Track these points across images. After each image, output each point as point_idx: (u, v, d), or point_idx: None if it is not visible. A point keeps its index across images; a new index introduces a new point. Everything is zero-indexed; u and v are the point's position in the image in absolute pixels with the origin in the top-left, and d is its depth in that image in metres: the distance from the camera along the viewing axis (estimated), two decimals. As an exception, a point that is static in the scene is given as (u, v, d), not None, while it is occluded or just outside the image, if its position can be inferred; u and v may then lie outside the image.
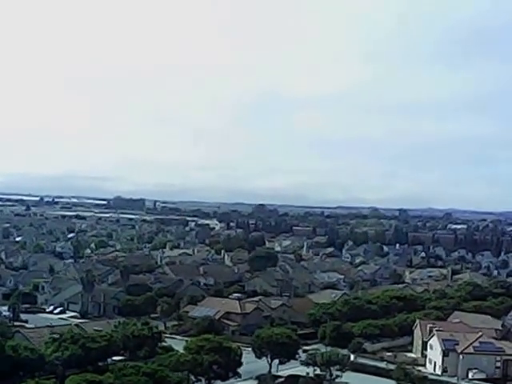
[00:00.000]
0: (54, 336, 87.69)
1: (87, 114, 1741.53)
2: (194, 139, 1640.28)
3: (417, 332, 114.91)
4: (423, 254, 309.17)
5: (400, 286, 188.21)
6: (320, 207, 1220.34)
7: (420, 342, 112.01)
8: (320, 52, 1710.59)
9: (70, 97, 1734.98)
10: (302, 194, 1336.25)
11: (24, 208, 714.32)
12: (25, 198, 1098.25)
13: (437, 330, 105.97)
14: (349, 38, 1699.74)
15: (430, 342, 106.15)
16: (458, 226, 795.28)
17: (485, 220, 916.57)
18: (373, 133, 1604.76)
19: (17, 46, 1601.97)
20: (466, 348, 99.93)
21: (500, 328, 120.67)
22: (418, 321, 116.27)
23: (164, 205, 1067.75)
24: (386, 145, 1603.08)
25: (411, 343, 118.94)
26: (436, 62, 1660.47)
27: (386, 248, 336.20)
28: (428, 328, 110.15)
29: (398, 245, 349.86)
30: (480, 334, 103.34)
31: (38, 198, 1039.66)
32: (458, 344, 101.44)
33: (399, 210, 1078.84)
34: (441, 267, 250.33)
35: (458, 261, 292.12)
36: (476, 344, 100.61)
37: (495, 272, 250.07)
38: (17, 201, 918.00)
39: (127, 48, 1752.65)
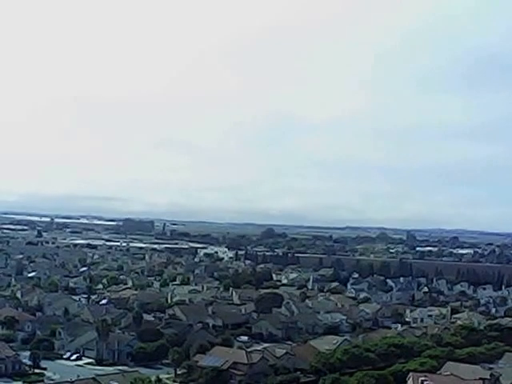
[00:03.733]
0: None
1: (99, 137, 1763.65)
2: (205, 161, 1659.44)
3: (410, 383, 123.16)
4: (426, 289, 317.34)
5: (400, 328, 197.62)
6: (329, 227, 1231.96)
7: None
8: (329, 78, 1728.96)
9: (82, 120, 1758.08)
10: (311, 215, 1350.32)
11: (35, 234, 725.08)
12: (35, 218, 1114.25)
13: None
14: (357, 64, 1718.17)
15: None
16: (465, 251, 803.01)
17: (492, 244, 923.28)
18: (382, 155, 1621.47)
19: (32, 73, 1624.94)
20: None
21: (488, 378, 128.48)
22: (410, 374, 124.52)
23: (174, 227, 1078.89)
24: (396, 167, 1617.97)
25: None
26: (445, 87, 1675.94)
27: (390, 282, 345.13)
28: (420, 381, 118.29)
29: (402, 278, 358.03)
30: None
31: (48, 219, 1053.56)
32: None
33: (407, 232, 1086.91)
34: (441, 305, 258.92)
35: (459, 296, 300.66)
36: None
37: (493, 310, 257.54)
38: (27, 224, 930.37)
39: (139, 73, 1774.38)
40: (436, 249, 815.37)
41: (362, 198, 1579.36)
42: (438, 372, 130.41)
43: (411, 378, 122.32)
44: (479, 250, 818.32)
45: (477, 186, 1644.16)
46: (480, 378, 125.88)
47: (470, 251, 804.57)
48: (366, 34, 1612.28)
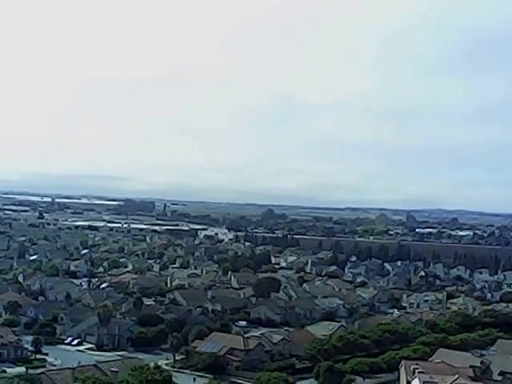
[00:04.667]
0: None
1: (102, 117, 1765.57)
2: (207, 142, 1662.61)
3: (402, 371, 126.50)
4: (423, 273, 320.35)
5: (396, 314, 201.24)
6: (329, 208, 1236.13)
7: (405, 381, 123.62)
8: (332, 60, 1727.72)
9: (85, 100, 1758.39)
10: (312, 195, 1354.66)
11: (37, 215, 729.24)
12: (36, 198, 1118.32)
13: (419, 372, 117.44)
14: (359, 46, 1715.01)
15: (413, 382, 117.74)
16: (464, 233, 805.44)
17: (492, 225, 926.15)
18: (384, 137, 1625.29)
19: (35, 55, 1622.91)
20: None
21: (479, 365, 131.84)
22: (403, 361, 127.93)
23: (174, 207, 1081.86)
24: (397, 148, 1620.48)
25: (398, 379, 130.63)
26: (450, 69, 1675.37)
27: (387, 265, 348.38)
28: (412, 368, 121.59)
29: (399, 262, 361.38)
30: (456, 376, 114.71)
31: (49, 199, 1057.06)
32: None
33: (407, 212, 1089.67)
34: (437, 290, 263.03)
35: (455, 280, 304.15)
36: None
37: (489, 295, 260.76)
38: (28, 205, 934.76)
39: (142, 55, 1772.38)
40: (435, 230, 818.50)
41: (363, 179, 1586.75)
42: (430, 359, 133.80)
43: (403, 366, 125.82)
44: (479, 232, 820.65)
45: (478, 167, 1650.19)
46: (470, 366, 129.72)
47: (470, 233, 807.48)
48: (370, 16, 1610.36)
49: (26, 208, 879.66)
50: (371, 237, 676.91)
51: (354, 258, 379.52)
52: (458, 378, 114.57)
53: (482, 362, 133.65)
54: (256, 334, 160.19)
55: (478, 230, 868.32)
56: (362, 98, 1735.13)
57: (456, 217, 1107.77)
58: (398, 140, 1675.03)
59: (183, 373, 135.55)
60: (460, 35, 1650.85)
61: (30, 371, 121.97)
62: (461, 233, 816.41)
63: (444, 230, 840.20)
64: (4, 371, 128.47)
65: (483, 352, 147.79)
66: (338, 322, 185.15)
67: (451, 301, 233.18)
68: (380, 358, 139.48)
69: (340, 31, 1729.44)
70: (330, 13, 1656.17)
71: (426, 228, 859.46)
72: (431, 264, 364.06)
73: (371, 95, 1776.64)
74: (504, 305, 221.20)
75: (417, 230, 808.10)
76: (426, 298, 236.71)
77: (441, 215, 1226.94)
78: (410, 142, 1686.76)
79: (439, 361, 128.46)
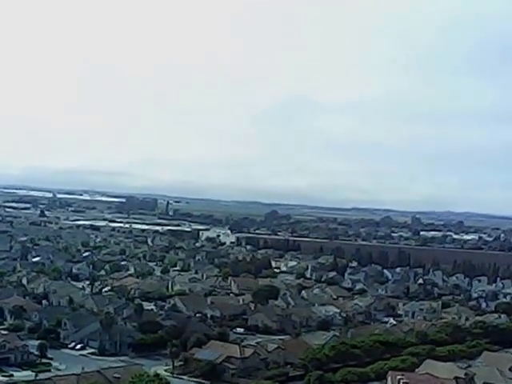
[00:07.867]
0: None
1: (105, 112, 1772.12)
2: (212, 139, 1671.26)
3: (389, 381, 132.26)
4: (421, 281, 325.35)
5: (390, 323, 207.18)
6: (335, 208, 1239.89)
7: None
8: (344, 62, 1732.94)
9: (88, 94, 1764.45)
10: (318, 195, 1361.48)
11: (38, 213, 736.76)
12: (37, 193, 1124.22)
13: (403, 383, 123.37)
14: (377, 47, 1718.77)
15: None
16: (469, 237, 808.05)
17: (498, 229, 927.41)
18: (396, 139, 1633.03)
19: (39, 46, 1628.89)
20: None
21: (463, 377, 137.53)
22: (389, 372, 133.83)
23: (177, 205, 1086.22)
24: (408, 150, 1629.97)
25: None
26: (463, 74, 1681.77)
27: (386, 272, 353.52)
28: (397, 379, 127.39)
29: (398, 268, 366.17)
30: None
31: (50, 195, 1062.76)
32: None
33: (412, 215, 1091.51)
34: (434, 298, 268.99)
35: (452, 289, 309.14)
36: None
37: (484, 304, 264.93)
38: (30, 202, 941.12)
39: (146, 48, 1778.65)
40: (440, 234, 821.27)
41: (371, 179, 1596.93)
42: (417, 370, 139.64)
43: (390, 376, 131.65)
44: (484, 236, 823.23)
45: (486, 170, 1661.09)
46: (455, 377, 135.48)
47: (475, 237, 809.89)
48: (389, 16, 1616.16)
49: (27, 205, 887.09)
50: (374, 240, 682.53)
51: (354, 264, 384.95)
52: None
53: (466, 374, 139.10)
54: (252, 342, 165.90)
55: (484, 233, 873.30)
56: (373, 101, 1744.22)
57: (463, 220, 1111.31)
58: (406, 142, 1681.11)
59: (182, 379, 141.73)
60: (484, 40, 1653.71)
61: (38, 376, 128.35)
62: (466, 236, 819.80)
63: (449, 233, 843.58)
64: (11, 375, 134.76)
65: (470, 362, 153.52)
66: (334, 330, 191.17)
67: (446, 310, 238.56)
68: (369, 368, 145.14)
69: (357, 32, 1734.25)
70: (347, 11, 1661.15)
71: (430, 231, 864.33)
72: (430, 271, 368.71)
73: (382, 98, 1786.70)
74: (496, 315, 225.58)
75: (421, 233, 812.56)
76: (422, 307, 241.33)
77: (448, 217, 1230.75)
78: (419, 143, 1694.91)
79: (424, 372, 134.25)
